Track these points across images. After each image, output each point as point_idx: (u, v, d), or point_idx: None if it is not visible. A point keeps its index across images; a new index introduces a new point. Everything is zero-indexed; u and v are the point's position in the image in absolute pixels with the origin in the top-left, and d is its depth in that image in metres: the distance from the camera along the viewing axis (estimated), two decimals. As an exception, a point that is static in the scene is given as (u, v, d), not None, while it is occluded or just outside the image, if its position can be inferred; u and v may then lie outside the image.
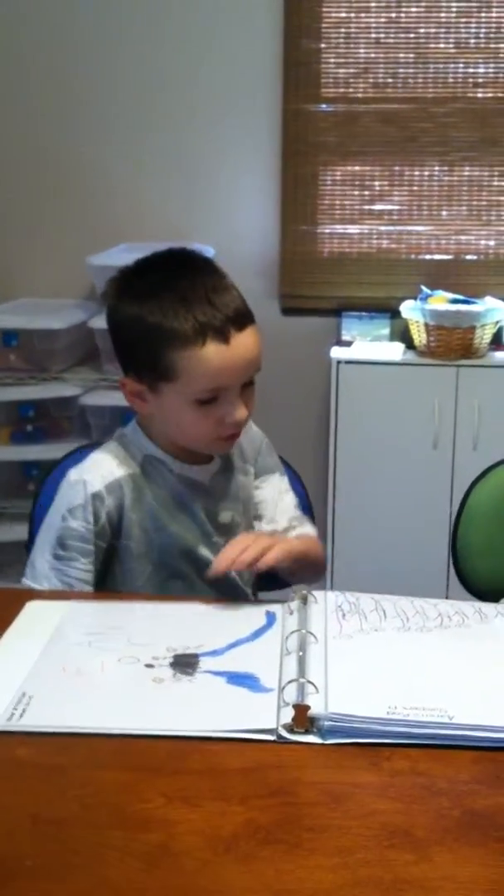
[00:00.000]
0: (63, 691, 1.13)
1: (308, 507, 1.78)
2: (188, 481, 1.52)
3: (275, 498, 1.64)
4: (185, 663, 1.19)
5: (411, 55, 3.44)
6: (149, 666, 1.18)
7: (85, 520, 1.45)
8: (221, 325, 1.38)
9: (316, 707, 1.05)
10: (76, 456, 1.69)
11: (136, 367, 1.46)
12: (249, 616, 1.32)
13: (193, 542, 1.51)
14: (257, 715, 1.06)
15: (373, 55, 3.43)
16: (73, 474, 1.49)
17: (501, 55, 3.42)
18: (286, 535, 1.59)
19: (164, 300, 1.39)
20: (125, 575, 1.50)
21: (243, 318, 1.42)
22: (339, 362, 3.30)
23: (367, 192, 3.53)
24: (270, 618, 1.31)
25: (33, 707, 1.09)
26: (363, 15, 3.41)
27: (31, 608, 1.34)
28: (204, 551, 1.51)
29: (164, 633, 1.27)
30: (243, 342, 1.41)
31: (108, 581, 1.50)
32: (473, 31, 3.40)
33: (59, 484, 1.52)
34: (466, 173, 3.49)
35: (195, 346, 1.38)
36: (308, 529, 1.64)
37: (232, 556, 1.39)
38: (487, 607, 1.35)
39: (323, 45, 3.44)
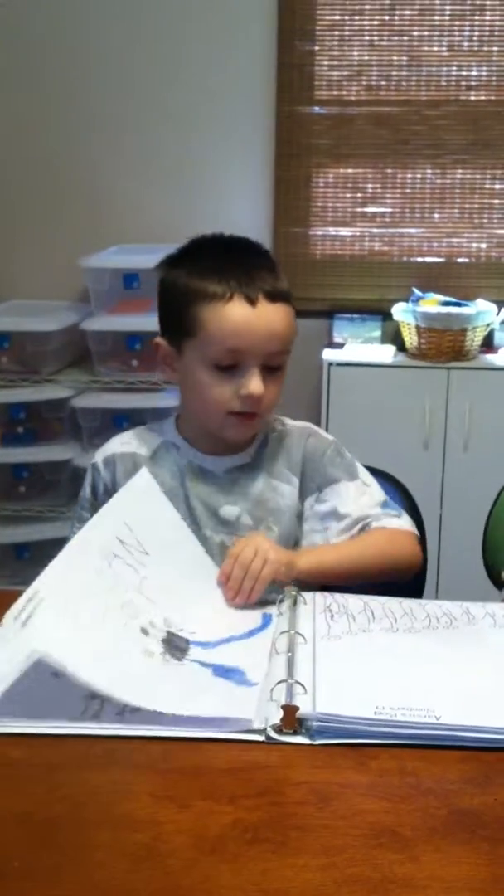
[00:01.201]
0: (65, 616, 1.18)
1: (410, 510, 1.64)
2: (197, 469, 1.53)
3: (346, 503, 1.52)
4: (175, 646, 1.20)
5: (404, 58, 3.45)
6: (143, 631, 1.21)
7: (85, 488, 1.59)
8: (251, 292, 1.40)
9: (304, 708, 1.05)
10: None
11: (166, 326, 1.48)
12: (246, 616, 1.32)
13: None
14: (241, 707, 1.06)
15: (366, 58, 3.44)
16: None
17: (494, 58, 3.43)
18: (354, 534, 1.50)
19: (205, 268, 1.42)
20: None
21: (279, 295, 1.43)
22: (330, 364, 3.31)
23: (359, 195, 3.54)
24: (266, 619, 1.31)
25: (40, 612, 1.16)
26: (357, 18, 3.42)
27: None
28: None
29: (169, 599, 1.28)
30: (272, 311, 1.41)
31: None
32: (466, 34, 3.42)
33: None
34: (459, 176, 3.51)
35: (220, 302, 1.39)
36: (385, 522, 1.51)
37: (237, 581, 1.35)
38: (475, 608, 1.35)
39: (316, 48, 3.45)
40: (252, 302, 1.40)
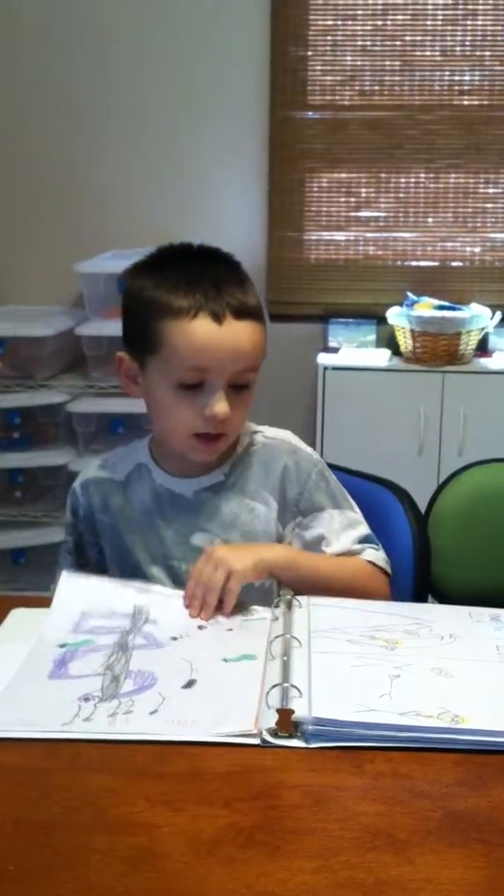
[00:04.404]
0: None
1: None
2: (167, 494, 1.47)
3: (328, 537, 1.46)
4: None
5: (397, 63, 3.46)
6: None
7: (67, 514, 1.58)
8: (217, 308, 1.33)
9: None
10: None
11: (129, 340, 1.42)
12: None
13: (144, 560, 1.47)
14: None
15: (359, 63, 3.45)
16: None
17: (487, 63, 3.44)
18: None
19: (169, 278, 1.36)
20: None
21: (247, 311, 1.36)
22: (325, 368, 3.31)
23: (353, 199, 3.55)
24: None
25: None
26: (350, 23, 3.43)
27: (16, 616, 1.34)
28: (155, 571, 1.46)
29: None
30: (239, 329, 1.34)
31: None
32: (459, 38, 3.43)
33: None
34: (452, 180, 3.52)
35: (185, 318, 1.32)
36: (367, 555, 1.46)
37: (199, 598, 1.31)
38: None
39: (310, 53, 3.46)
40: (218, 318, 1.32)
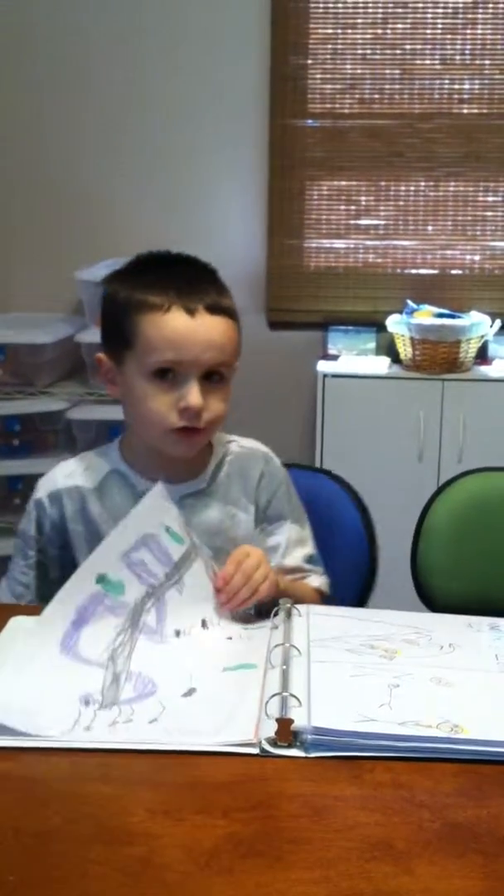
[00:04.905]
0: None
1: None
2: None
3: (280, 550, 1.54)
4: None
5: (397, 71, 3.46)
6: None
7: (30, 525, 1.51)
8: (191, 303, 1.37)
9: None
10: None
11: (107, 340, 1.46)
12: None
13: None
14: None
15: (359, 71, 3.46)
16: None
17: (486, 71, 3.45)
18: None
19: (145, 279, 1.41)
20: None
21: (220, 308, 1.40)
22: (325, 376, 3.31)
23: (353, 207, 3.55)
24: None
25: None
26: (350, 31, 3.43)
27: (15, 624, 1.34)
28: None
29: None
30: (211, 322, 1.38)
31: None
32: (459, 47, 3.43)
33: None
34: (452, 188, 3.52)
35: (159, 312, 1.37)
36: (313, 581, 1.55)
37: (235, 588, 1.33)
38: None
39: (310, 62, 3.46)
40: (191, 312, 1.37)
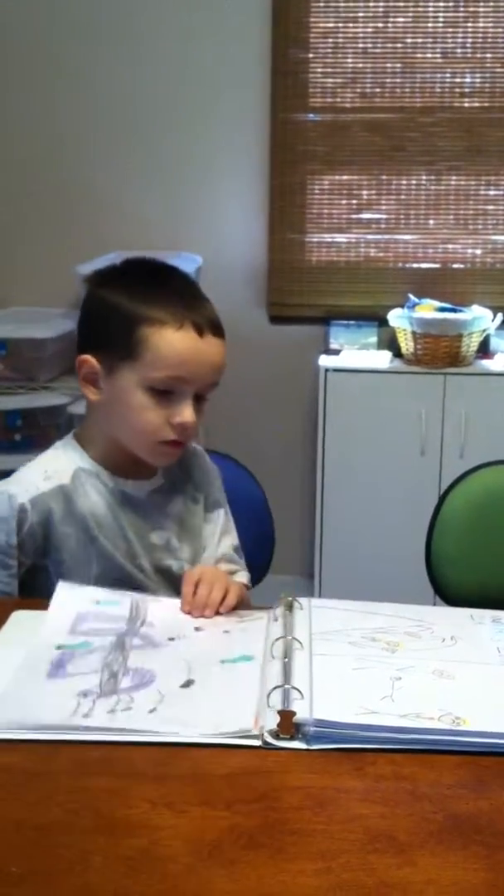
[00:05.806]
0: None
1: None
2: (122, 496, 1.49)
3: (215, 536, 1.59)
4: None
5: (398, 65, 3.46)
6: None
7: (7, 532, 1.43)
8: (200, 320, 1.40)
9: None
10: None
11: (102, 344, 1.43)
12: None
13: (122, 559, 1.47)
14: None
15: (360, 65, 3.45)
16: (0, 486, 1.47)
17: (488, 65, 3.44)
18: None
19: (150, 293, 1.41)
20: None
21: (219, 327, 1.44)
22: (326, 370, 3.31)
23: (354, 201, 3.55)
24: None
25: None
26: (351, 25, 3.43)
27: (17, 618, 1.34)
28: (129, 569, 1.48)
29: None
30: (216, 346, 1.42)
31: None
32: (460, 41, 3.43)
33: None
34: (453, 182, 3.51)
35: (170, 328, 1.38)
36: (241, 577, 1.58)
37: (200, 603, 1.35)
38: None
39: (311, 55, 3.46)
40: (200, 331, 1.39)
